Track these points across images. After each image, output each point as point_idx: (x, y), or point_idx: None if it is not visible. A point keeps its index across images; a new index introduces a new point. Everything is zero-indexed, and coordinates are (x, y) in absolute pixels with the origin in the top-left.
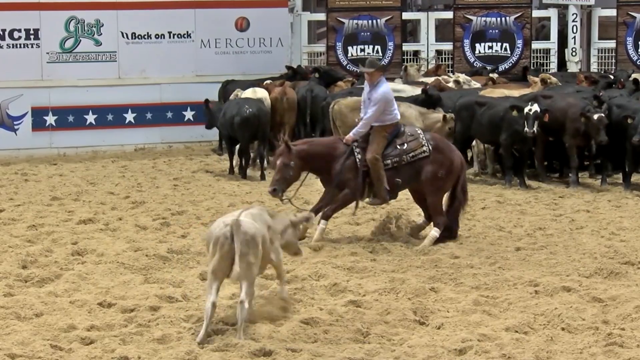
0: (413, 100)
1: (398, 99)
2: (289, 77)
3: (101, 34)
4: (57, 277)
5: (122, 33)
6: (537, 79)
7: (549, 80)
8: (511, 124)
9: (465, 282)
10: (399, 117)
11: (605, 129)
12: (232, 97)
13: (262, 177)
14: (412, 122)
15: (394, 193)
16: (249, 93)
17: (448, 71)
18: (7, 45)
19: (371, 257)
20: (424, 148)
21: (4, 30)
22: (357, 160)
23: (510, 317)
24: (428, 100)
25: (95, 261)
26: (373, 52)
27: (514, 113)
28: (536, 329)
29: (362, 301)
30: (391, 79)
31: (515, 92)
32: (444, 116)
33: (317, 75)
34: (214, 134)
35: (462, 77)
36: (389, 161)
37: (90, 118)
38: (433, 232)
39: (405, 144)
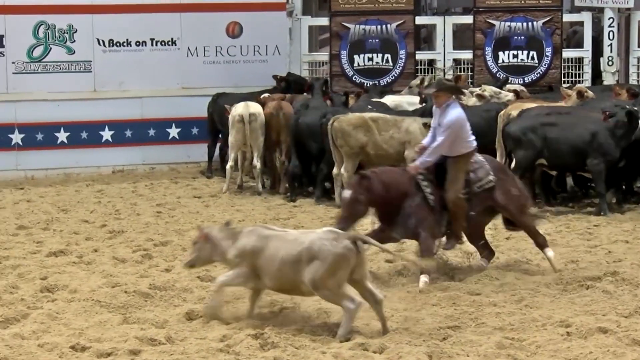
0: (420, 112)
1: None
2: (283, 90)
3: (74, 41)
4: (23, 316)
5: (98, 40)
6: (571, 92)
7: (585, 94)
8: (602, 144)
9: (487, 322)
10: (475, 144)
11: None
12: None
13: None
14: (417, 137)
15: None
16: (240, 108)
17: (469, 82)
18: None
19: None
20: (490, 177)
21: None
22: (428, 196)
23: None
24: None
25: (67, 299)
26: (382, 61)
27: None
28: None
29: (370, 344)
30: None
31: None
32: None
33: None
34: (201, 153)
35: (489, 90)
36: None
37: (62, 136)
38: (548, 252)
39: (472, 173)
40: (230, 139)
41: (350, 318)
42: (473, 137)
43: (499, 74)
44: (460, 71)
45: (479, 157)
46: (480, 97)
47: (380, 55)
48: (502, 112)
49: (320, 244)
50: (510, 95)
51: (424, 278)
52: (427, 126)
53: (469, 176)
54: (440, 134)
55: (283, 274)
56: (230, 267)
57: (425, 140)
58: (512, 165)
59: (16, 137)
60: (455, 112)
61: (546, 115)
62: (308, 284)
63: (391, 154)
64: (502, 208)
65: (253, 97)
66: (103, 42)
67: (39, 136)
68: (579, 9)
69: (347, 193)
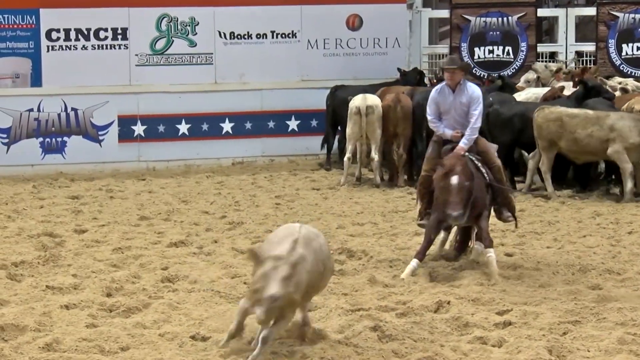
0: (574, 98)
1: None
2: (409, 82)
3: (196, 33)
4: (145, 306)
5: (220, 33)
6: None
7: None
8: None
9: (608, 317)
10: None
11: None
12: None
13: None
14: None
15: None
16: (358, 100)
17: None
18: (92, 46)
19: (500, 288)
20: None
21: (88, 30)
22: (485, 175)
23: None
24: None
25: (188, 289)
26: (503, 54)
27: None
28: None
29: (489, 337)
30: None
31: None
32: None
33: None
34: (319, 146)
35: (631, 83)
36: None
37: (183, 128)
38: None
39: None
40: (348, 131)
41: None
42: None
43: (623, 67)
44: (582, 64)
45: None
46: (623, 90)
47: (501, 47)
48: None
49: None
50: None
51: (413, 264)
52: None
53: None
54: (473, 110)
55: None
56: None
57: (439, 126)
58: None
59: (138, 129)
60: (476, 88)
61: None
62: None
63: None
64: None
65: (372, 89)
66: (224, 34)
67: (161, 128)
68: None
69: (455, 179)
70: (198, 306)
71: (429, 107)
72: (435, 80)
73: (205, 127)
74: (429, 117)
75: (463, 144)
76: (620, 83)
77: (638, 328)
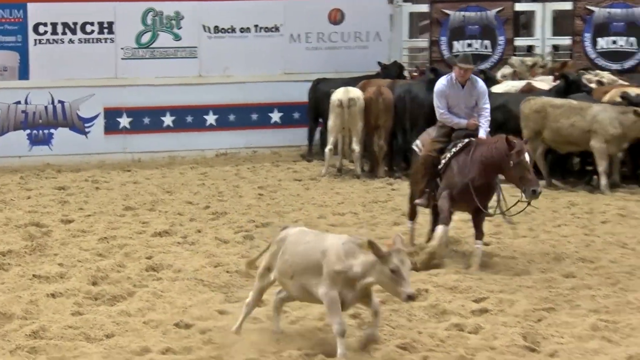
0: (555, 92)
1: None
2: (390, 75)
3: (181, 27)
4: (129, 294)
5: (204, 27)
6: None
7: None
8: None
9: (582, 304)
10: None
11: None
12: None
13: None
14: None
15: None
16: (340, 93)
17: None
18: (78, 40)
19: (477, 276)
20: None
21: (75, 24)
22: None
23: (632, 345)
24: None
25: (172, 277)
26: (481, 47)
27: None
28: None
29: (466, 324)
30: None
31: None
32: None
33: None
34: (302, 137)
35: (607, 76)
36: None
37: (168, 120)
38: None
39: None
40: (330, 123)
41: None
42: None
43: (597, 60)
44: (558, 57)
45: None
46: (599, 83)
47: (479, 41)
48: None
49: None
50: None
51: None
52: None
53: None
54: (483, 104)
55: None
56: None
57: (452, 117)
58: None
59: (124, 121)
60: (482, 82)
61: None
62: None
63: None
64: None
65: (353, 82)
66: (208, 28)
67: (146, 120)
68: None
69: (527, 156)
70: (182, 294)
71: (439, 101)
72: (416, 74)
73: (189, 119)
74: (439, 110)
75: (483, 133)
76: (596, 76)
77: (610, 315)
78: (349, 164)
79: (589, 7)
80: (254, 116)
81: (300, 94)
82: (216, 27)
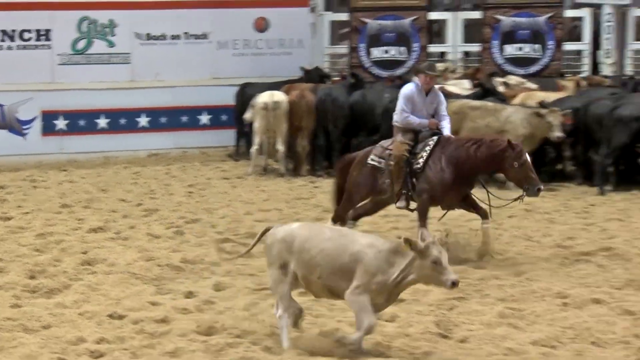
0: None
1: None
2: (312, 79)
3: (114, 34)
4: (65, 287)
5: (136, 34)
6: (566, 83)
7: (581, 84)
8: None
9: (490, 293)
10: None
11: None
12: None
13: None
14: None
15: None
16: (265, 96)
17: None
18: (17, 46)
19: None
20: None
21: (13, 31)
22: None
23: (537, 331)
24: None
25: (106, 271)
26: (397, 53)
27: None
28: (564, 343)
29: (383, 313)
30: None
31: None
32: None
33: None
34: (230, 138)
35: (514, 79)
36: None
37: (102, 122)
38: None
39: None
40: (255, 125)
41: None
42: None
43: (505, 66)
44: (469, 63)
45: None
46: (505, 85)
47: (395, 48)
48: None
49: None
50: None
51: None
52: None
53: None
54: (442, 111)
55: None
56: None
57: (415, 119)
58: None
59: (61, 123)
60: (439, 91)
61: None
62: None
63: None
64: None
65: (278, 86)
66: (141, 35)
67: (82, 122)
68: (579, 5)
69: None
70: (115, 287)
71: (404, 105)
72: (339, 78)
73: (123, 121)
74: (404, 113)
75: (448, 132)
76: (503, 77)
77: (517, 303)
78: (273, 164)
79: (496, 16)
80: (184, 118)
81: (227, 97)
82: (148, 35)
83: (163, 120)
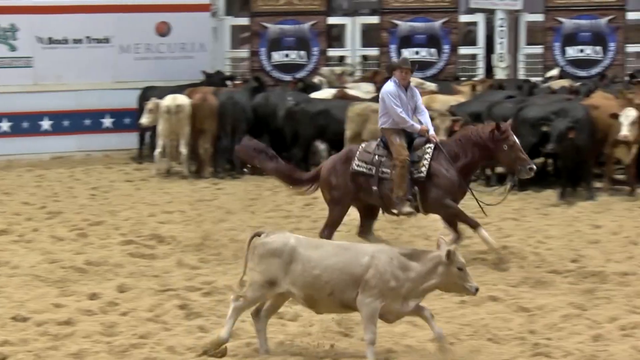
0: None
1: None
2: (214, 83)
3: (16, 39)
4: None
5: (38, 38)
6: (461, 87)
7: (477, 87)
8: None
9: None
10: None
11: None
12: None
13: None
14: None
15: None
16: (167, 100)
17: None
18: None
19: None
20: None
21: None
22: None
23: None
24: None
25: (9, 274)
26: (297, 57)
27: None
28: (462, 340)
29: (286, 313)
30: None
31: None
32: None
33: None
34: (133, 141)
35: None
36: None
37: (5, 126)
38: None
39: None
40: (159, 128)
41: None
42: None
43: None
44: (367, 66)
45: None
46: None
47: (295, 52)
48: None
49: None
50: (433, 86)
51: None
52: None
53: None
54: (420, 105)
55: None
56: None
57: (409, 120)
58: None
59: None
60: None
61: None
62: None
63: None
64: None
65: (180, 90)
66: (43, 39)
67: None
68: (473, 11)
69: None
70: (19, 289)
71: (394, 101)
72: (240, 82)
73: (25, 124)
74: (397, 109)
75: (432, 131)
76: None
77: None
78: (177, 166)
79: (394, 21)
80: (87, 121)
81: (130, 100)
82: (50, 39)
83: (66, 123)
